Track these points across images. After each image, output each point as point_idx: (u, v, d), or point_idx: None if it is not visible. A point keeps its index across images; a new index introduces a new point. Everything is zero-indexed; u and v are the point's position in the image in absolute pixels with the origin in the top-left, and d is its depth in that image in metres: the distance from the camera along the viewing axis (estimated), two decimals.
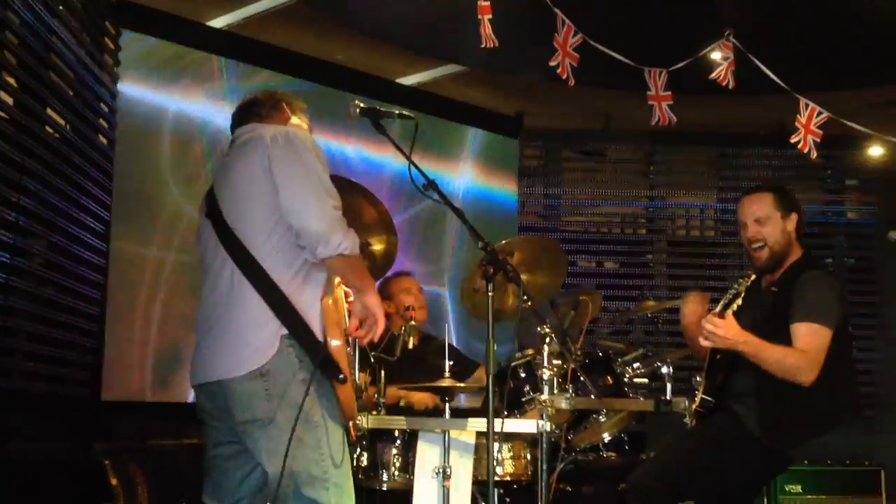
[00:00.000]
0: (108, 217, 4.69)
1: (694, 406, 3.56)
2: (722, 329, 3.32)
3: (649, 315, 5.05)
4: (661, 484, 3.39)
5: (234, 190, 2.68)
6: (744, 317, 3.44)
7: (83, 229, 4.47)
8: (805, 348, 3.33)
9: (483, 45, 4.05)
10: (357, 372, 3.54)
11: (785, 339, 3.37)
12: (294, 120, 2.95)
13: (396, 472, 3.62)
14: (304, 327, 2.56)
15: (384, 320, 2.71)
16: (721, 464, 3.43)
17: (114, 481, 3.83)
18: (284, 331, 2.56)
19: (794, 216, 3.56)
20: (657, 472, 3.43)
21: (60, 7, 4.24)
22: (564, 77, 4.34)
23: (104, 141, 4.75)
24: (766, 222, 3.52)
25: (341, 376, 2.55)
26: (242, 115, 2.95)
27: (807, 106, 4.46)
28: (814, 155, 4.49)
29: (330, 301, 2.62)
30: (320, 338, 2.58)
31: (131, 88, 4.91)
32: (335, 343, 2.57)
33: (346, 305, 2.81)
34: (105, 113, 4.76)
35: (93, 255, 4.56)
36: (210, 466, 2.79)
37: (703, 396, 3.51)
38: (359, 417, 2.75)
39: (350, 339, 3.50)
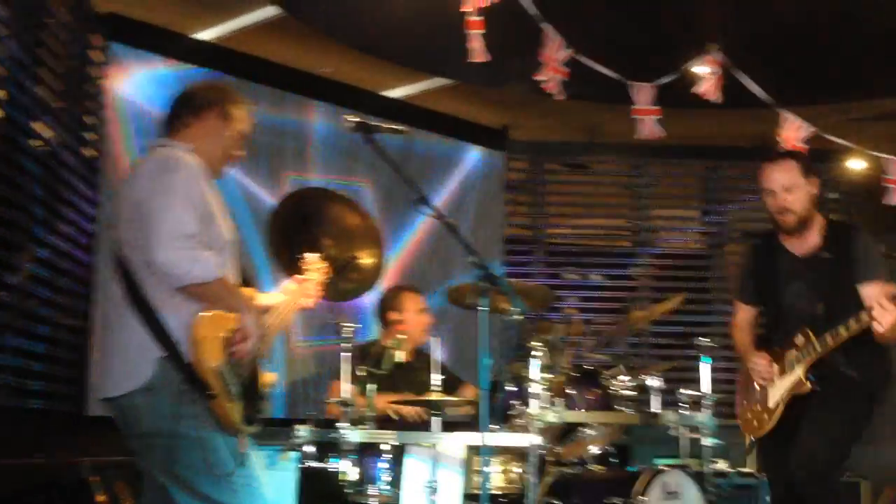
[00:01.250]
0: (93, 230, 4.66)
1: (809, 383, 3.60)
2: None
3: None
4: (830, 462, 3.59)
5: (123, 213, 2.71)
6: (792, 289, 3.64)
7: (68, 242, 4.44)
8: None
9: (474, 60, 4.05)
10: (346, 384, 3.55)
11: (853, 299, 3.50)
12: (214, 124, 2.85)
13: (385, 487, 3.61)
14: (175, 348, 2.62)
15: (252, 340, 2.71)
16: (859, 422, 3.66)
17: (101, 498, 3.80)
18: (162, 353, 2.62)
19: (815, 179, 3.70)
20: (823, 451, 3.57)
21: (49, 19, 4.23)
22: (554, 92, 4.35)
23: (91, 153, 4.73)
24: (793, 189, 3.64)
25: (208, 392, 2.61)
26: (168, 120, 2.87)
27: (790, 120, 4.50)
28: None
29: (202, 322, 2.64)
30: (188, 358, 2.62)
31: (120, 101, 4.88)
32: (203, 362, 2.62)
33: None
34: (92, 125, 4.74)
35: (78, 268, 4.53)
36: (145, 485, 2.85)
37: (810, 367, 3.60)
38: (250, 430, 2.77)
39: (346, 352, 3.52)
